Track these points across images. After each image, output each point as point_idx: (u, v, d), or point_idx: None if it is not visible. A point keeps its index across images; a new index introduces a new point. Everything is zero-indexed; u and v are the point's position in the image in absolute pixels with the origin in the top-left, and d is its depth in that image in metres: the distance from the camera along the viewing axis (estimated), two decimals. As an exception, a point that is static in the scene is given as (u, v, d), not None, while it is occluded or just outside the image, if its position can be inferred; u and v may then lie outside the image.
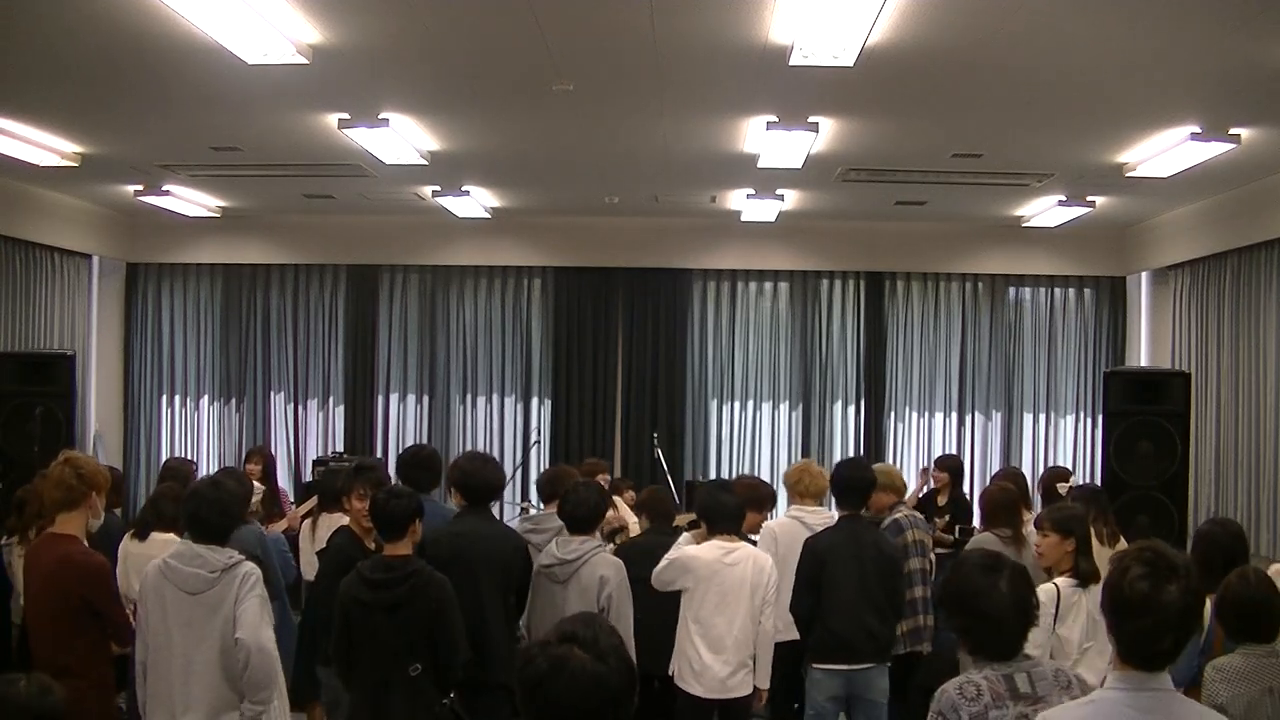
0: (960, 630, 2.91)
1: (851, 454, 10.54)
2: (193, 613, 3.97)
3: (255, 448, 9.51)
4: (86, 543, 4.31)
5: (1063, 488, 6.88)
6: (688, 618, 4.99)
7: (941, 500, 8.00)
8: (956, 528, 7.44)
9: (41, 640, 4.18)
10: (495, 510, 8.85)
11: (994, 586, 2.82)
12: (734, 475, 10.48)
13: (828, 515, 5.63)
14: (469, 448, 10.50)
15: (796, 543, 5.36)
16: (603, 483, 7.36)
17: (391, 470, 6.27)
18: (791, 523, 5.62)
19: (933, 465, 8.36)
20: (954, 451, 9.87)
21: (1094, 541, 5.49)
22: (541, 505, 6.08)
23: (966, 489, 8.64)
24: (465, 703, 4.44)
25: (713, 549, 5.02)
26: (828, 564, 5.03)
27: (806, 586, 5.07)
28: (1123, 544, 5.88)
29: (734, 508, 5.13)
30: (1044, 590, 4.42)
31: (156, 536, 5.21)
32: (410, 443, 10.13)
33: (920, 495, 8.11)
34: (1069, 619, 4.34)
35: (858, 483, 5.25)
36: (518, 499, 9.86)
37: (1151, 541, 2.54)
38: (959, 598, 2.90)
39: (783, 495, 9.94)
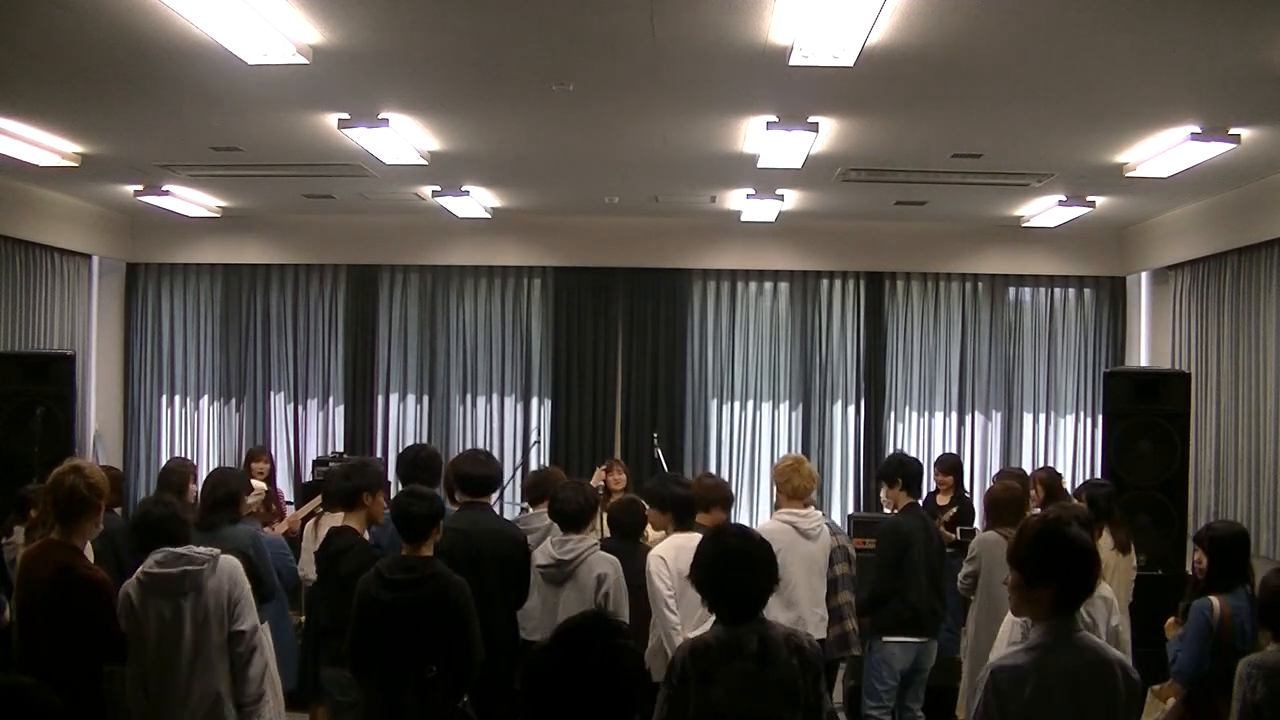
0: (698, 588, 3.27)
1: (851, 454, 10.68)
2: (193, 614, 3.97)
3: (259, 447, 9.51)
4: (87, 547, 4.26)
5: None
6: (672, 613, 4.88)
7: (943, 500, 8.00)
8: (958, 529, 7.43)
9: (29, 649, 4.08)
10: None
11: (737, 555, 3.19)
12: (733, 475, 10.52)
13: (819, 518, 5.49)
14: (469, 448, 10.49)
15: (792, 549, 5.12)
16: (617, 482, 7.42)
17: (392, 470, 6.27)
18: (784, 528, 5.27)
19: (935, 466, 8.35)
20: (954, 451, 9.87)
21: (1114, 553, 5.50)
22: (529, 507, 6.03)
23: (966, 488, 8.63)
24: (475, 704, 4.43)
25: (676, 539, 5.00)
26: (911, 546, 5.63)
27: (892, 567, 5.63)
28: (1132, 552, 5.89)
29: (684, 499, 5.18)
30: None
31: None
32: (410, 443, 10.13)
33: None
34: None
35: (915, 473, 5.90)
36: (518, 499, 9.84)
37: (1060, 506, 2.96)
38: (703, 563, 3.24)
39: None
